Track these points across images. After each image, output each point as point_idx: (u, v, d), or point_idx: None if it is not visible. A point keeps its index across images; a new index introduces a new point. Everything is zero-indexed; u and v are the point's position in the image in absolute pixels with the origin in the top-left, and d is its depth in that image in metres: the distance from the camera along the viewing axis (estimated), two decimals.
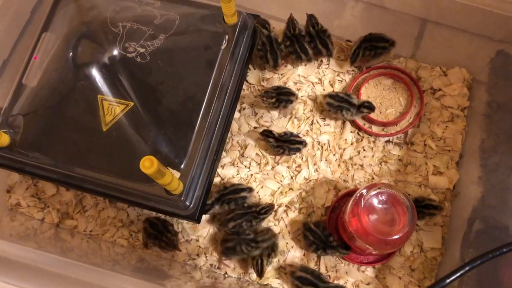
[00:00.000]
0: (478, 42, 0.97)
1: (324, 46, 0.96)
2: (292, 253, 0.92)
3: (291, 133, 0.94)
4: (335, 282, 0.89)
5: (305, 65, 1.01)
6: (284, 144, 0.92)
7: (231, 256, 0.89)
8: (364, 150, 0.96)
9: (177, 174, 0.81)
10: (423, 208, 0.87)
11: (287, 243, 0.92)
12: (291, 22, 0.96)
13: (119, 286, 0.70)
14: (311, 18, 0.96)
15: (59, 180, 0.87)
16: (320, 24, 0.96)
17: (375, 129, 0.97)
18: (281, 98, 0.93)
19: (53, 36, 0.90)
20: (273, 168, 0.96)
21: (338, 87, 1.00)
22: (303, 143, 0.93)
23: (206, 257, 0.92)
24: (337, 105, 0.93)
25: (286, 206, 0.94)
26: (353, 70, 1.01)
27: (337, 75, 1.01)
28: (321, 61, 1.02)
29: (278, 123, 0.98)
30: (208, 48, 0.88)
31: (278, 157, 0.96)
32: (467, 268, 0.60)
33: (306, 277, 0.84)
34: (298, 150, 0.94)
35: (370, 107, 0.92)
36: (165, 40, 0.89)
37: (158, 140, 0.84)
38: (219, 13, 0.88)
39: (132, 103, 0.86)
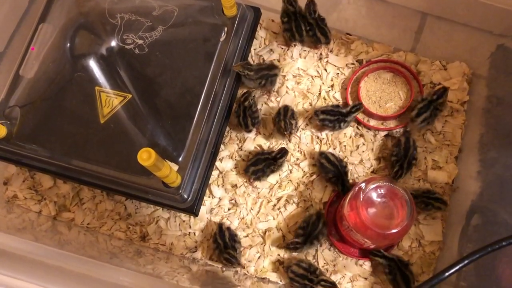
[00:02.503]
0: (479, 36, 0.96)
1: (323, 34, 0.96)
2: None
3: (265, 62, 0.96)
4: (333, 276, 0.89)
5: (305, 58, 1.01)
6: (264, 73, 0.92)
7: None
8: (363, 144, 0.96)
9: (175, 167, 0.80)
10: (434, 200, 0.88)
11: (284, 236, 0.92)
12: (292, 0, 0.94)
13: (116, 279, 0.69)
14: (309, 4, 0.95)
15: (56, 172, 0.86)
16: (318, 12, 0.95)
17: (374, 123, 0.97)
18: (264, 73, 0.92)
19: (50, 27, 0.90)
20: None
21: (337, 81, 0.99)
22: (278, 69, 0.94)
23: (204, 250, 0.92)
24: (334, 119, 0.92)
25: (284, 200, 0.94)
26: (352, 64, 1.00)
27: (337, 69, 1.00)
28: (321, 54, 1.01)
29: None
30: (207, 40, 0.88)
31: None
32: (466, 262, 0.60)
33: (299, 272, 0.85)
34: (276, 76, 0.94)
35: (359, 108, 0.92)
36: (164, 31, 0.88)
37: (156, 132, 0.83)
38: (218, 5, 0.87)
39: (130, 95, 0.85)
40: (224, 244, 0.87)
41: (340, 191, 0.91)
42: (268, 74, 0.93)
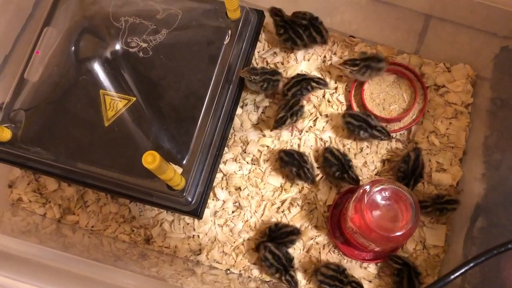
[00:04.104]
0: (483, 38, 0.96)
1: (319, 33, 0.97)
2: (292, 250, 0.91)
3: (269, 67, 0.96)
4: None
5: (308, 60, 1.01)
6: (266, 77, 0.92)
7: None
8: (367, 146, 0.96)
9: (179, 170, 0.80)
10: (446, 204, 0.87)
11: None
12: (273, 10, 0.96)
13: (121, 281, 0.69)
14: (296, 14, 0.96)
15: (60, 175, 0.87)
16: (309, 13, 0.96)
17: None
18: (267, 77, 0.92)
19: (55, 30, 0.90)
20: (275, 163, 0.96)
21: (341, 83, 0.99)
22: (280, 74, 0.94)
23: (208, 253, 0.92)
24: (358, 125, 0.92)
25: (288, 202, 0.94)
26: None
27: (340, 71, 1.00)
28: (324, 56, 1.01)
29: None
30: (211, 43, 0.88)
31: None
32: (471, 264, 0.60)
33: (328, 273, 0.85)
34: (278, 81, 0.94)
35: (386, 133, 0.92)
36: (168, 35, 0.88)
37: (160, 135, 0.83)
38: (222, 8, 0.88)
39: (134, 98, 0.86)
40: (284, 268, 0.86)
41: (351, 182, 0.90)
42: (270, 79, 0.93)
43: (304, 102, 0.95)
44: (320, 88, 0.95)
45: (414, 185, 0.90)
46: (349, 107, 0.98)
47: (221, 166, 0.95)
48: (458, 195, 0.92)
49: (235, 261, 0.91)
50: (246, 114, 0.99)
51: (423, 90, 0.97)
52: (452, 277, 0.61)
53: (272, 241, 0.88)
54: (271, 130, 0.95)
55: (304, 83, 0.93)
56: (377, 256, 0.90)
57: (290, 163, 0.91)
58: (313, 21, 0.96)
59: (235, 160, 0.96)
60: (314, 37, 0.97)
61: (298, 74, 0.95)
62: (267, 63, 1.01)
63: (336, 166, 0.91)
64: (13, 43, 0.97)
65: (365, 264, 0.90)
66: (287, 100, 0.93)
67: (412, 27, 1.00)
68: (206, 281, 0.86)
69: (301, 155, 0.91)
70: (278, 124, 0.91)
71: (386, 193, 0.78)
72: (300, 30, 0.96)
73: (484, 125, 0.94)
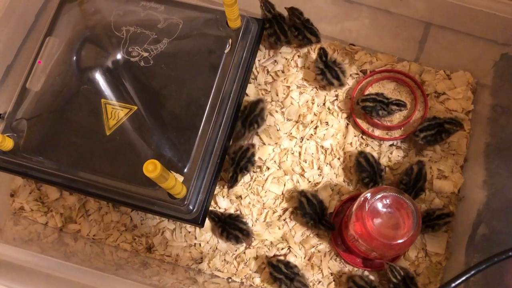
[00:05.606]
0: (482, 45, 0.96)
1: (313, 34, 0.98)
2: (294, 258, 0.91)
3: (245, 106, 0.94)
4: (338, 287, 0.89)
5: (308, 68, 1.01)
6: (251, 118, 0.92)
7: None
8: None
9: (180, 178, 0.80)
10: (437, 219, 0.87)
11: (290, 247, 0.92)
12: (266, 3, 0.96)
13: None
14: (293, 10, 0.97)
15: (62, 184, 0.87)
16: (303, 15, 0.98)
17: (379, 133, 0.97)
18: (253, 118, 0.92)
19: (57, 40, 0.91)
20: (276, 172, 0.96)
21: (342, 91, 1.00)
22: (262, 101, 0.93)
23: (209, 261, 0.92)
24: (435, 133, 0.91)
25: (290, 210, 0.94)
26: (357, 74, 1.01)
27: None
28: None
29: (283, 127, 0.98)
30: (212, 52, 0.88)
31: (280, 160, 0.96)
32: (472, 272, 0.60)
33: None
34: (263, 109, 0.94)
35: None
36: (169, 44, 0.89)
37: (162, 144, 0.84)
38: (223, 17, 0.88)
39: (135, 107, 0.86)
40: (287, 277, 0.86)
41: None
42: (255, 116, 0.92)
43: (255, 145, 0.95)
44: (401, 110, 0.93)
45: (414, 198, 0.90)
46: (350, 114, 0.98)
47: (222, 174, 0.95)
48: (459, 202, 0.92)
49: (237, 270, 0.91)
50: None
51: (423, 97, 0.97)
52: (454, 284, 0.61)
53: (220, 223, 0.90)
54: (228, 190, 0.95)
55: (383, 105, 0.92)
56: (379, 264, 0.89)
57: (308, 214, 0.90)
58: (305, 23, 0.97)
59: None
60: (309, 38, 0.98)
61: (377, 94, 0.94)
62: (268, 72, 1.02)
63: (367, 172, 0.90)
64: (16, 53, 0.98)
65: (366, 272, 0.90)
66: (234, 156, 0.93)
67: (412, 35, 1.00)
68: None
69: (316, 207, 0.89)
70: (231, 183, 0.92)
71: (387, 200, 0.78)
72: (286, 27, 0.97)
73: (485, 132, 0.94)
